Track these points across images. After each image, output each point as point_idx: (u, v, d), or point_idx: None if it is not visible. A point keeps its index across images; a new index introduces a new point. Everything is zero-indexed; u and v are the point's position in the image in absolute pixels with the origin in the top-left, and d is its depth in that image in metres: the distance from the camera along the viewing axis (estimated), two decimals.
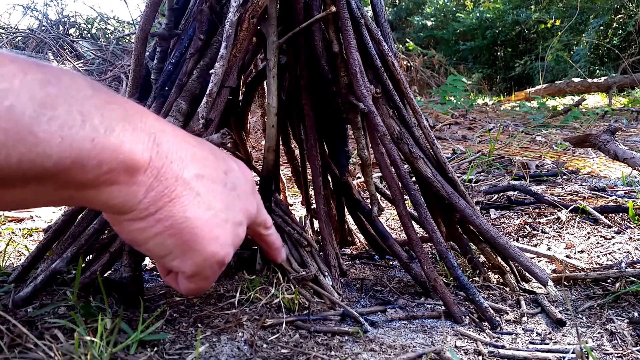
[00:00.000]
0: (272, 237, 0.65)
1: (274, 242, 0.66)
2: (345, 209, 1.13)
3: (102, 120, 0.40)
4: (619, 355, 0.71)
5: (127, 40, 5.10)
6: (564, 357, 0.70)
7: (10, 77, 0.35)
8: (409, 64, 6.98)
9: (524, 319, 0.82)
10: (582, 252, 1.14)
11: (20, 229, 1.27)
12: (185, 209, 0.47)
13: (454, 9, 11.72)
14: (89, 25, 5.61)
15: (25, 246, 1.09)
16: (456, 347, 0.73)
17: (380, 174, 1.31)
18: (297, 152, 1.18)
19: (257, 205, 0.60)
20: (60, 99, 0.37)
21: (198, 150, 0.51)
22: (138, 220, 0.46)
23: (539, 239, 1.24)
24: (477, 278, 0.95)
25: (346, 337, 0.75)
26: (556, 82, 7.24)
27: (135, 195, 0.44)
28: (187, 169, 0.48)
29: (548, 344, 0.75)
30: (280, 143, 1.05)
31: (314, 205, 1.02)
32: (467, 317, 0.82)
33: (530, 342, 0.75)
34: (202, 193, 0.49)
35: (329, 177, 1.05)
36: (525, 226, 1.32)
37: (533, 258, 1.10)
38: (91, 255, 0.83)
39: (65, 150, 0.37)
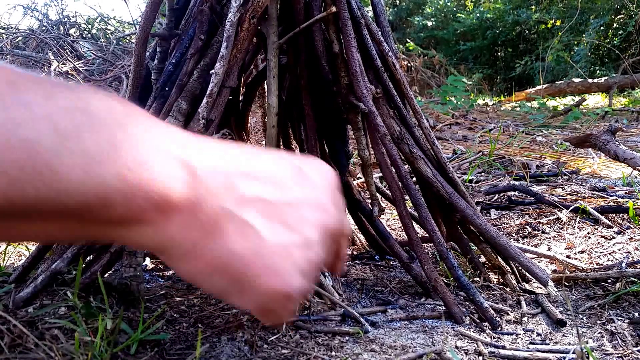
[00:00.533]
0: (345, 248, 0.55)
1: (344, 254, 0.55)
2: (346, 209, 1.13)
3: (133, 153, 0.36)
4: (619, 355, 0.71)
5: (127, 41, 5.10)
6: (564, 358, 0.70)
7: (31, 104, 0.32)
8: (409, 64, 6.98)
9: (525, 319, 0.82)
10: (582, 252, 1.14)
11: None
12: (230, 243, 0.42)
13: (455, 9, 11.72)
14: (90, 26, 5.61)
15: (26, 246, 1.10)
16: (457, 347, 0.73)
17: (380, 174, 1.31)
18: (297, 152, 1.18)
19: (340, 214, 0.49)
20: (86, 128, 0.34)
21: (246, 166, 0.44)
22: (182, 260, 0.42)
23: (540, 239, 1.24)
24: (478, 278, 0.95)
25: (347, 338, 0.75)
26: (556, 82, 7.24)
27: (171, 235, 0.40)
28: (230, 196, 0.42)
29: (548, 344, 0.75)
30: (281, 143, 1.05)
31: None
32: (468, 317, 0.82)
33: (530, 343, 0.75)
34: (250, 219, 0.43)
35: None
36: (526, 226, 1.32)
37: (533, 258, 1.10)
38: (91, 256, 0.83)
39: (88, 186, 0.33)
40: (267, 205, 0.44)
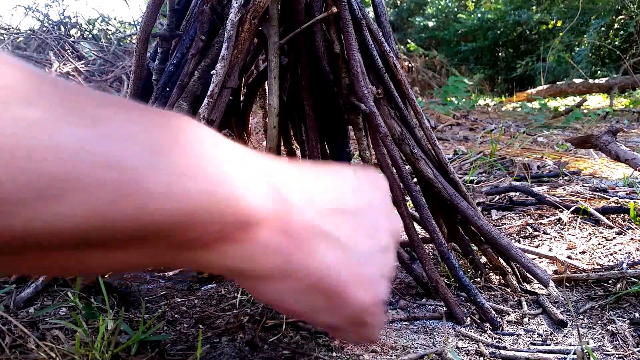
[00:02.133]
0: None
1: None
2: None
3: (217, 169, 0.34)
4: (620, 356, 0.71)
5: (128, 41, 5.10)
6: (565, 358, 0.70)
7: (114, 123, 0.31)
8: (410, 65, 6.98)
9: (526, 319, 0.82)
10: (583, 253, 1.14)
11: None
12: (321, 257, 0.41)
13: (456, 9, 11.72)
14: (91, 26, 5.62)
15: None
16: (458, 348, 0.73)
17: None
18: (298, 153, 1.18)
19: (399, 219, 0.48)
20: (168, 145, 0.33)
21: (317, 180, 0.44)
22: (273, 281, 0.40)
23: (541, 240, 1.24)
24: (479, 279, 0.95)
25: None
26: (557, 82, 7.24)
27: (259, 253, 0.38)
28: (310, 209, 0.41)
29: (549, 344, 0.75)
30: (282, 144, 1.05)
31: None
32: (469, 318, 0.82)
33: (531, 343, 0.75)
34: (332, 231, 0.42)
35: None
36: (527, 227, 1.32)
37: (534, 259, 1.10)
38: None
39: (173, 203, 0.32)
40: (344, 215, 0.43)
